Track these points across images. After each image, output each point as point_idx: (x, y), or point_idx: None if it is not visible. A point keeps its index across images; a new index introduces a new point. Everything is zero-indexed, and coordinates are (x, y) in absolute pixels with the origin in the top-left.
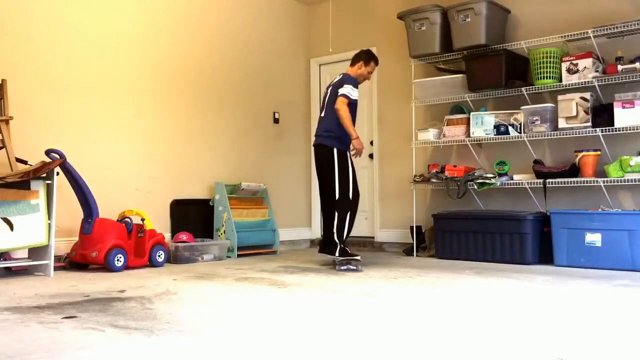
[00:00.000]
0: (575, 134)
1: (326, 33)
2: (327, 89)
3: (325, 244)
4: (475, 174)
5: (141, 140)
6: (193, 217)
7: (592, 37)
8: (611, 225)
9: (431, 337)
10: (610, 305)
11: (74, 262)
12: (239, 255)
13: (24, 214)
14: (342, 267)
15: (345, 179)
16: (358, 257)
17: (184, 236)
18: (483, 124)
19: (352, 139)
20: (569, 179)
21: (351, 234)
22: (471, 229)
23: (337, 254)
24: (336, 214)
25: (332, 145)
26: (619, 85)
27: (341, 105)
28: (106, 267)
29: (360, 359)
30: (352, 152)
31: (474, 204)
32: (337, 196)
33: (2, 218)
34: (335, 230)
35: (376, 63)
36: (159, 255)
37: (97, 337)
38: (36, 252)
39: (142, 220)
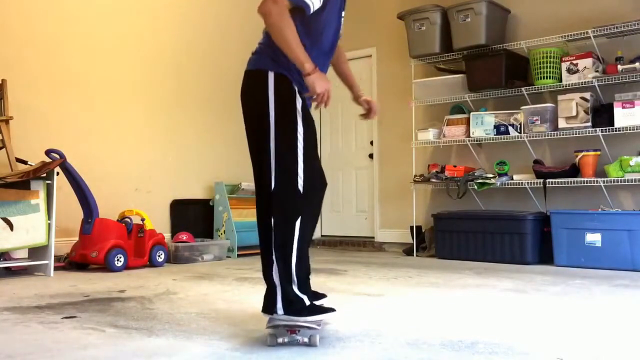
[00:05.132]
0: (575, 134)
1: None
2: None
3: (265, 294)
4: (475, 174)
5: (141, 140)
6: (193, 217)
7: (592, 37)
8: (611, 225)
9: (430, 337)
10: (610, 305)
11: (73, 262)
12: (239, 255)
13: (24, 214)
14: (284, 338)
15: (291, 145)
16: (328, 312)
17: (184, 236)
18: (483, 124)
19: (304, 73)
20: (569, 179)
21: (350, 234)
22: (471, 229)
23: (278, 306)
24: (273, 222)
25: (264, 68)
26: (619, 85)
27: (271, 7)
28: (106, 267)
29: (358, 358)
30: (312, 99)
31: (474, 204)
32: (272, 184)
33: (2, 218)
34: (274, 258)
35: None
36: (159, 255)
37: (97, 337)
38: (36, 252)
39: (142, 220)
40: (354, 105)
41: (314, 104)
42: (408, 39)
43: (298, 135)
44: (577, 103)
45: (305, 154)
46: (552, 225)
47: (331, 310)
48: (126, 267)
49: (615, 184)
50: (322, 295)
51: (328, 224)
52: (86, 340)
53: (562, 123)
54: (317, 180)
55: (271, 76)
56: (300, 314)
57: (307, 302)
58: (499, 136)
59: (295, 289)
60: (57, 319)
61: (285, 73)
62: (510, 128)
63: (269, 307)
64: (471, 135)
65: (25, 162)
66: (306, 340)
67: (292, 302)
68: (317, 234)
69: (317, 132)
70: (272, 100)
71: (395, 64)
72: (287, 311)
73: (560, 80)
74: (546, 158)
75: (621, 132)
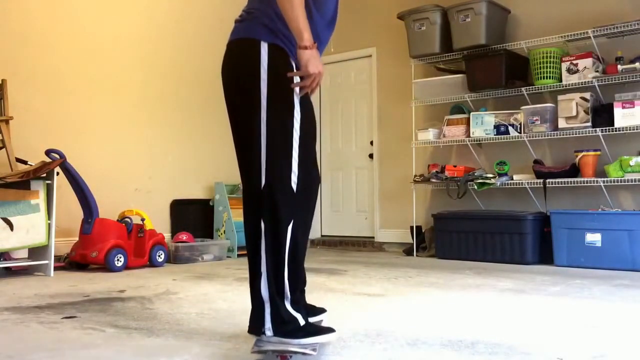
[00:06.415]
0: (575, 134)
1: None
2: None
3: (252, 311)
4: (475, 174)
5: (141, 140)
6: (193, 217)
7: (592, 37)
8: (611, 225)
9: (430, 337)
10: (610, 305)
11: (73, 262)
12: (239, 255)
13: (24, 214)
14: None
15: (285, 133)
16: (326, 334)
17: (184, 236)
18: (483, 124)
19: (301, 44)
20: (569, 179)
21: (350, 234)
22: (471, 229)
23: (267, 326)
24: (263, 226)
25: (255, 37)
26: (619, 85)
27: None
28: (106, 267)
29: (358, 358)
30: (300, 82)
31: (474, 204)
32: (263, 179)
33: (2, 218)
34: (264, 269)
35: None
36: (159, 255)
37: (97, 337)
38: (36, 252)
39: (142, 220)
40: (354, 105)
41: (297, 88)
42: (408, 39)
43: (294, 121)
44: (577, 103)
45: (301, 145)
46: (552, 225)
47: (330, 331)
48: (126, 267)
49: (615, 184)
50: (321, 310)
51: (328, 224)
52: (86, 340)
53: (562, 123)
54: (312, 177)
55: (264, 47)
56: (293, 335)
57: (302, 322)
58: (499, 136)
59: (287, 305)
60: (57, 319)
61: (282, 45)
62: (510, 128)
63: (256, 326)
64: (471, 135)
65: (25, 162)
66: None
67: (283, 321)
68: (317, 234)
69: (317, 130)
70: (265, 77)
71: (395, 64)
72: (278, 332)
73: (560, 80)
74: (546, 158)
75: (621, 132)
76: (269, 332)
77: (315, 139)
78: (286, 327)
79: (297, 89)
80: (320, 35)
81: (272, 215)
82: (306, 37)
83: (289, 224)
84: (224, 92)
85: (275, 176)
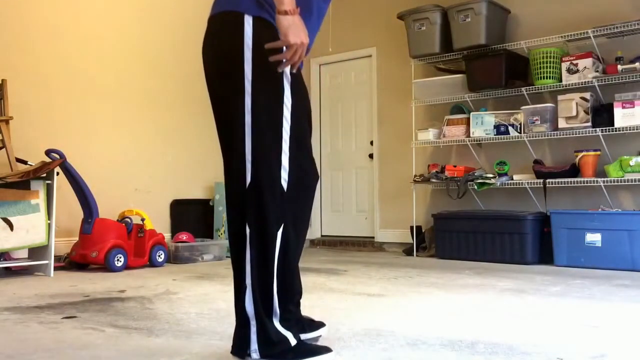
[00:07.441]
0: (575, 134)
1: (326, 33)
2: None
3: (235, 330)
4: (475, 174)
5: (141, 140)
6: (193, 217)
7: (592, 37)
8: (611, 225)
9: (430, 337)
10: (610, 305)
11: (73, 262)
12: None
13: (24, 214)
14: None
15: (274, 121)
16: (321, 355)
17: (184, 236)
18: (483, 124)
19: (280, 9)
20: (569, 179)
21: (350, 234)
22: (471, 229)
23: (253, 347)
24: (248, 231)
25: (238, 10)
26: (619, 85)
27: None
28: (106, 267)
29: (358, 358)
30: (279, 55)
31: (474, 204)
32: (248, 177)
33: (2, 218)
34: (249, 282)
35: None
36: (159, 255)
37: (97, 337)
38: (36, 252)
39: (142, 220)
40: (354, 105)
41: (283, 58)
42: (408, 39)
43: (284, 109)
44: (577, 103)
45: (292, 137)
46: (552, 225)
47: (325, 350)
48: (126, 267)
49: (615, 184)
50: (319, 325)
51: (328, 224)
52: (86, 340)
53: (562, 123)
54: (306, 174)
55: (249, 21)
56: (282, 358)
57: (292, 342)
58: (499, 136)
59: (276, 323)
60: (57, 319)
61: (269, 18)
62: (510, 128)
63: (240, 348)
64: (471, 135)
65: (25, 162)
66: None
67: (272, 342)
68: (317, 234)
69: (317, 130)
70: (249, 58)
71: (395, 64)
72: (265, 355)
73: (560, 80)
74: (546, 158)
75: (621, 132)
76: (255, 354)
77: (310, 129)
78: (275, 349)
79: (287, 70)
80: (313, 6)
81: (258, 218)
82: (286, 0)
83: (278, 228)
84: (205, 77)
85: (263, 173)
